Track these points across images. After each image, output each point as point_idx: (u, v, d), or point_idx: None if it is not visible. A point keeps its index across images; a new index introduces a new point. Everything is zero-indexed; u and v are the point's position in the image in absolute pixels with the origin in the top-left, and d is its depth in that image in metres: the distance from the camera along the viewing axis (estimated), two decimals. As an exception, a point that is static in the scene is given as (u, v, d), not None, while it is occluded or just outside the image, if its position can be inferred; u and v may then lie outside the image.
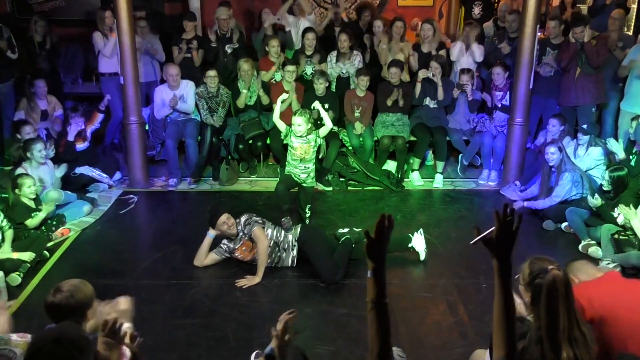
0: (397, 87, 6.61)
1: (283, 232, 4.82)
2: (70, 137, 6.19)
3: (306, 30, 7.00)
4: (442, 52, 6.98)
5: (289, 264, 4.76)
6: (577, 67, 6.43)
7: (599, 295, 2.91)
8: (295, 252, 4.76)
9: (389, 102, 6.60)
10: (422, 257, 4.87)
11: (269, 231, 4.75)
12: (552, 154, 5.49)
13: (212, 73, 6.51)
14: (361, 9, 7.81)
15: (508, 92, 6.57)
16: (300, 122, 5.33)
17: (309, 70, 6.91)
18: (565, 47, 6.46)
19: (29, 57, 7.11)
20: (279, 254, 4.74)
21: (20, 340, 2.53)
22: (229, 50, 7.12)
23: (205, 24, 8.25)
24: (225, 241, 4.80)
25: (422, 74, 6.68)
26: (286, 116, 6.73)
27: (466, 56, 6.95)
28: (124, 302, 2.79)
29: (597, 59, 6.32)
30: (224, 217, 4.71)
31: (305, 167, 5.48)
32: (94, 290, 2.69)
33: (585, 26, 6.37)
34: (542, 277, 2.33)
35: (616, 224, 4.86)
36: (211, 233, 4.74)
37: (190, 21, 7.10)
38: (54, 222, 5.27)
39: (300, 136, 5.40)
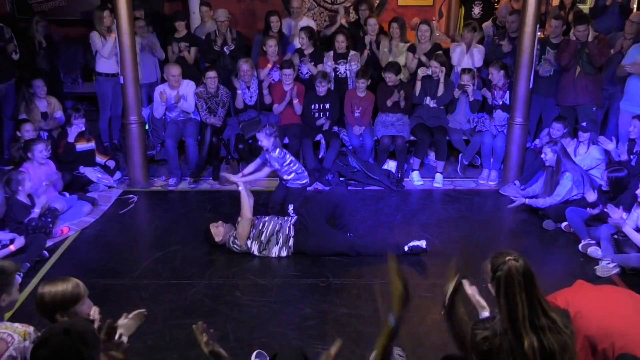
0: (397, 88, 6.61)
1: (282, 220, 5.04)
2: (71, 139, 6.18)
3: (302, 29, 7.01)
4: (439, 52, 6.95)
5: (287, 232, 4.87)
6: (576, 66, 6.44)
7: (574, 297, 3.00)
8: (293, 220, 4.98)
9: (389, 103, 6.60)
10: (424, 245, 4.90)
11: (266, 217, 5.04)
12: (545, 154, 5.54)
13: (212, 74, 6.51)
14: (358, 4, 7.79)
15: (508, 92, 6.57)
16: (260, 139, 5.30)
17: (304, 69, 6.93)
18: (565, 45, 6.46)
19: (29, 57, 7.11)
20: (279, 221, 4.95)
21: (21, 328, 2.54)
22: (227, 52, 7.13)
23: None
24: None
25: (421, 72, 6.68)
26: (286, 115, 6.77)
27: (467, 57, 6.95)
28: (135, 316, 2.77)
29: (600, 59, 6.33)
30: (213, 229, 4.96)
31: (281, 172, 5.48)
32: (83, 287, 2.67)
33: (588, 25, 6.36)
34: (501, 269, 2.35)
35: None
36: (241, 188, 4.97)
37: (182, 21, 7.18)
38: (49, 219, 5.22)
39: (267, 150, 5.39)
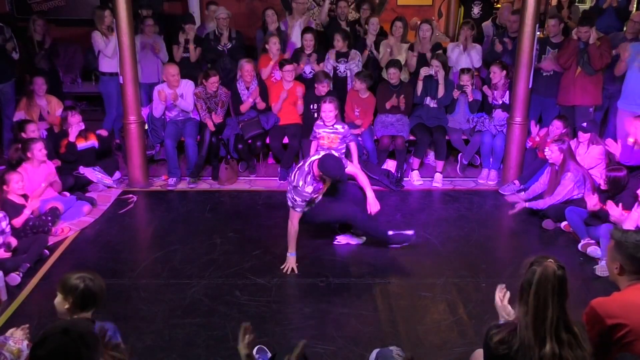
0: (396, 90, 6.60)
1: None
2: (72, 138, 6.18)
3: (305, 30, 7.01)
4: (440, 52, 6.96)
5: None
6: (576, 65, 6.44)
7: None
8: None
9: (388, 106, 6.60)
10: (410, 232, 4.96)
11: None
12: (551, 152, 5.55)
13: (214, 79, 6.48)
14: (360, 4, 7.78)
15: (507, 91, 6.58)
16: (330, 109, 5.53)
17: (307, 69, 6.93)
18: (566, 44, 6.47)
19: (28, 57, 7.11)
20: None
21: (14, 346, 2.52)
22: (226, 50, 7.13)
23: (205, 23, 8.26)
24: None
25: (423, 72, 6.68)
26: (286, 115, 6.76)
27: (465, 57, 6.95)
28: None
29: (600, 62, 6.32)
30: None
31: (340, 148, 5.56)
32: None
33: (592, 27, 6.35)
34: (539, 265, 2.35)
35: None
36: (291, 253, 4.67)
37: (192, 24, 7.19)
38: (49, 217, 5.22)
39: (327, 125, 5.55)
